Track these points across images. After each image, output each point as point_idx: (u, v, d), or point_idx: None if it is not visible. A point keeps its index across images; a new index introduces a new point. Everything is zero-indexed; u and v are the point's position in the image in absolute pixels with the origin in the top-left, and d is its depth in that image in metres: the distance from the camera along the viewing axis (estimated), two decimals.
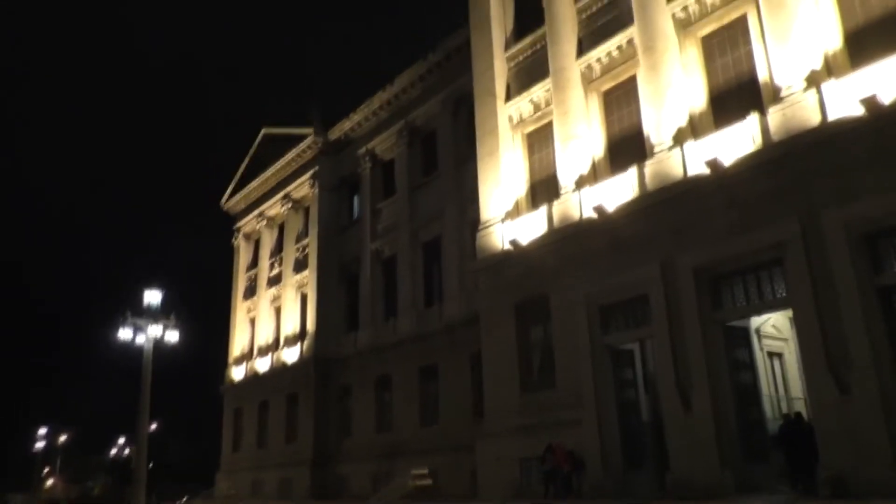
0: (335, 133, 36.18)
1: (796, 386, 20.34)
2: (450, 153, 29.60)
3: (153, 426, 67.93)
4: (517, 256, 20.27)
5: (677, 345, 16.08)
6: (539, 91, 21.62)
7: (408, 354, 29.29)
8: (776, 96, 15.48)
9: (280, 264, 38.84)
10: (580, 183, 19.34)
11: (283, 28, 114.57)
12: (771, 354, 19.97)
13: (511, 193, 21.77)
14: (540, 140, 21.95)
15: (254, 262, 41.91)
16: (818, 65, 15.04)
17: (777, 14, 15.75)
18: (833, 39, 15.23)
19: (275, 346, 37.64)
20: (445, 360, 27.54)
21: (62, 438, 62.05)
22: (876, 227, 13.38)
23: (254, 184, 41.23)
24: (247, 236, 42.99)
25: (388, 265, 32.41)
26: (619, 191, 18.05)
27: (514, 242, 20.22)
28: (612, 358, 17.99)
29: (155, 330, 18.38)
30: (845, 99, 14.06)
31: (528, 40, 22.50)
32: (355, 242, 34.24)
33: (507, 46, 23.36)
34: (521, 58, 22.82)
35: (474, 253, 27.01)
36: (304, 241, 37.09)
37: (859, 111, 13.63)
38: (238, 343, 40.85)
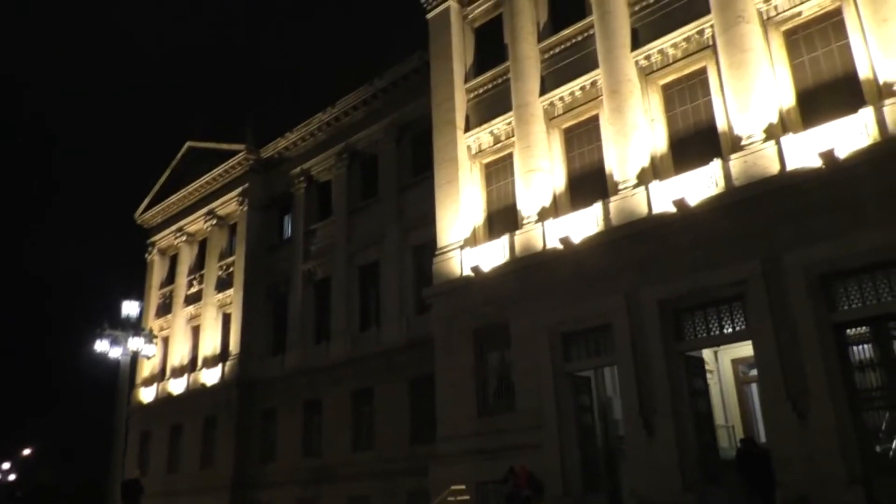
0: (268, 151, 35.55)
1: (719, 414, 21.87)
2: (391, 179, 29.78)
3: (27, 451, 63.06)
4: (477, 283, 20.70)
5: (640, 373, 16.93)
6: (500, 124, 22.35)
7: (341, 378, 28.92)
8: (736, 145, 16.84)
9: (200, 282, 37.42)
10: (543, 214, 20.10)
11: (217, 41, 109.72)
12: None
13: (469, 221, 22.27)
14: (498, 171, 22.64)
15: (169, 279, 40.16)
16: (775, 119, 16.54)
17: (736, 71, 17.19)
18: (787, 98, 16.80)
19: (191, 366, 36.07)
20: (382, 384, 27.41)
21: None
22: (831, 269, 14.78)
23: (174, 198, 39.67)
24: (162, 251, 41.18)
25: (320, 287, 31.98)
26: (584, 224, 18.91)
27: (475, 269, 20.65)
28: (572, 384, 18.65)
29: (136, 343, 17.40)
30: (802, 151, 15.53)
31: (489, 74, 23.26)
32: (285, 263, 33.57)
33: (467, 79, 24.04)
34: (480, 90, 23.53)
35: (415, 278, 27.48)
36: (229, 260, 35.99)
37: (817, 163, 15.08)
38: (147, 363, 38.78)
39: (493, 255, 20.79)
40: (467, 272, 21.12)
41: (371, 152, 31.31)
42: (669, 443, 15.99)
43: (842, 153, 14.87)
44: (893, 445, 14.30)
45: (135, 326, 17.47)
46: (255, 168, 35.88)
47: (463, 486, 16.63)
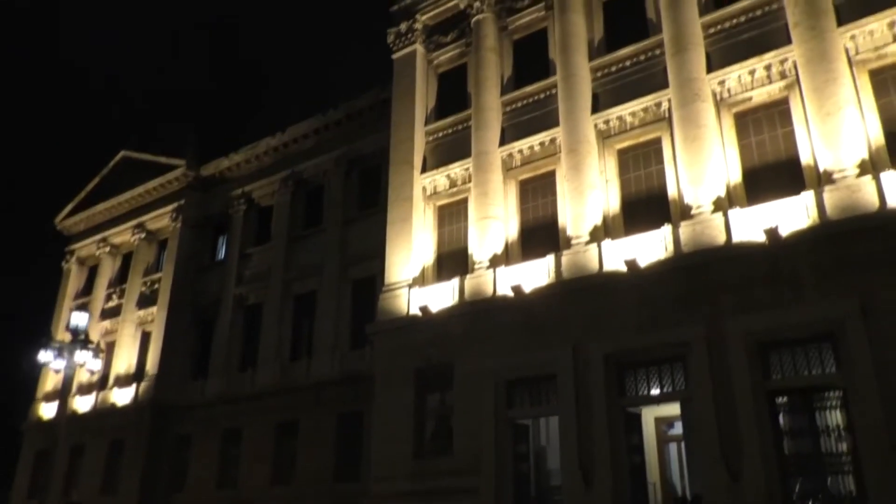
0: (209, 169, 34.87)
1: None
2: (337, 211, 29.71)
3: None
4: (424, 323, 20.78)
5: (582, 425, 17.33)
6: (458, 168, 22.80)
7: (265, 408, 28.17)
8: (686, 213, 17.77)
9: (120, 296, 35.90)
10: (494, 261, 20.50)
11: (164, 51, 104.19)
12: None
13: (419, 261, 22.43)
14: (452, 214, 22.98)
15: (86, 290, 38.33)
16: (723, 193, 17.57)
17: (690, 145, 18.21)
18: (735, 174, 17.90)
19: (101, 384, 34.28)
20: (309, 417, 26.87)
21: None
22: (769, 339, 15.68)
23: (101, 206, 38.15)
24: (81, 261, 39.36)
25: (251, 313, 31.28)
26: (535, 274, 19.40)
27: (423, 309, 20.75)
28: (512, 431, 18.86)
29: (83, 356, 16.41)
30: (747, 225, 16.57)
31: (450, 119, 23.77)
32: (216, 285, 32.72)
33: (428, 121, 24.47)
34: (440, 134, 23.97)
35: (353, 312, 27.39)
36: (155, 276, 34.78)
37: (761, 238, 16.10)
38: (52, 377, 36.57)
39: (441, 296, 20.97)
40: (414, 311, 21.20)
41: (318, 182, 31.20)
42: (606, 496, 16.36)
43: (784, 231, 15.94)
44: None
45: (84, 339, 16.59)
46: (193, 185, 35.07)
47: None
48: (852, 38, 17.08)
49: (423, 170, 23.77)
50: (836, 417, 15.44)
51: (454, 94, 24.37)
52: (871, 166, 15.82)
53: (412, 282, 22.02)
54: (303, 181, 31.65)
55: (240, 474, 27.99)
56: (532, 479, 19.25)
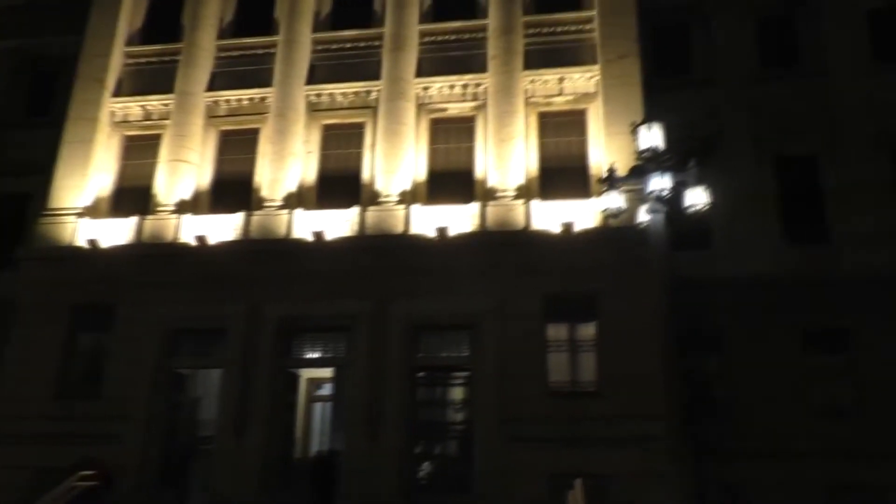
0: None
1: None
2: None
3: None
4: (90, 257, 19.44)
5: (244, 380, 18.03)
6: (156, 102, 21.57)
7: None
8: (374, 199, 19.44)
9: None
10: (182, 207, 20.01)
11: None
12: None
13: (93, 190, 20.82)
14: (141, 148, 21.64)
15: None
16: (409, 188, 19.60)
17: (389, 138, 19.91)
18: (422, 173, 20.02)
19: None
20: None
21: None
22: (422, 322, 18.08)
23: None
24: None
25: None
26: (222, 228, 19.46)
27: (92, 242, 19.41)
28: (170, 380, 18.77)
29: None
30: (425, 221, 18.80)
31: (157, 48, 22.31)
32: None
33: (130, 42, 22.65)
34: (142, 60, 22.37)
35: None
36: None
37: (433, 234, 18.45)
38: None
39: (115, 233, 19.82)
40: (81, 243, 19.70)
41: None
42: (257, 448, 17.34)
43: (452, 231, 18.48)
44: (422, 469, 18.04)
45: None
46: None
47: (93, 472, 15.53)
48: (532, 82, 20.22)
49: (117, 93, 21.99)
50: (459, 393, 18.55)
51: (165, 21, 22.77)
52: (525, 192, 19.08)
53: (83, 211, 20.38)
54: None
55: None
56: (183, 428, 19.38)
